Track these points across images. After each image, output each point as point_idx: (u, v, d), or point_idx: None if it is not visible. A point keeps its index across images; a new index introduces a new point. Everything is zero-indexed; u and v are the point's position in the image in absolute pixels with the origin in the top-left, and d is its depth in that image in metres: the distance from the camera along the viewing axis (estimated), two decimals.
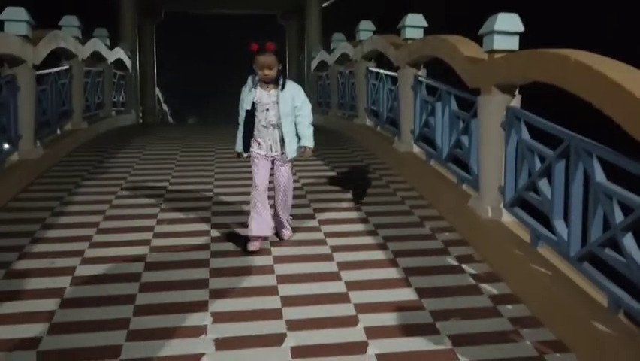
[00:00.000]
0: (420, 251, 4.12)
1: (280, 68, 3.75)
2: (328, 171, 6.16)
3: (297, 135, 3.90)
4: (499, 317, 3.31)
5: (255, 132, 3.87)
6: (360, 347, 2.96)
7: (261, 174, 3.90)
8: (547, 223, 3.51)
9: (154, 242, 4.14)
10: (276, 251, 4.04)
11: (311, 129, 3.92)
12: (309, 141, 3.91)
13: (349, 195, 5.29)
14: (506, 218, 4.04)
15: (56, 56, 7.19)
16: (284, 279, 3.64)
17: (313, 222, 4.59)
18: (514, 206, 3.88)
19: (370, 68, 7.59)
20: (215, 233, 4.33)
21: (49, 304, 3.25)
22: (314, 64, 11.58)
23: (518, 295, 3.50)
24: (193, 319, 3.14)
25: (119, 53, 10.48)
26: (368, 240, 4.30)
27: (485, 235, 4.04)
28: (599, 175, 3.00)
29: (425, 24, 6.13)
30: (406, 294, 3.53)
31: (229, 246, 4.11)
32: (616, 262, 2.87)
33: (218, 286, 3.52)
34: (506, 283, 3.65)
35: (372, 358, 2.88)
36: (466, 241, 4.25)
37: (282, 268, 3.79)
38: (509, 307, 3.41)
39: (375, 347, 2.96)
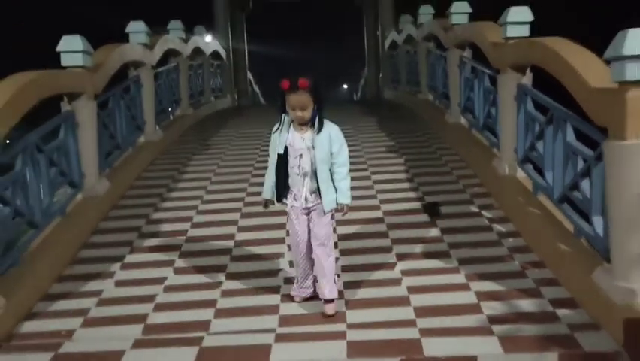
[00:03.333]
0: (450, 202, 5.19)
1: (316, 107, 3.22)
2: (388, 141, 7.27)
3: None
4: (501, 246, 4.38)
5: (289, 181, 3.37)
6: (391, 266, 4.15)
7: (298, 231, 3.42)
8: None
9: (247, 199, 5.53)
10: None
11: (347, 182, 3.36)
12: (344, 197, 3.35)
13: (401, 160, 6.40)
14: (520, 174, 5.00)
15: (165, 55, 8.75)
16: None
17: (368, 182, 5.77)
18: (524, 163, 4.84)
19: (429, 49, 8.53)
20: None
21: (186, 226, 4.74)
22: (387, 43, 12.54)
23: (519, 231, 4.53)
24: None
25: (215, 46, 12.04)
26: (410, 194, 5.43)
27: (502, 188, 5.04)
28: (570, 136, 3.95)
29: (469, 10, 7.00)
30: (431, 232, 4.66)
31: None
32: (579, 200, 3.84)
33: None
34: (513, 223, 4.67)
35: (398, 272, 4.07)
36: (489, 193, 5.27)
37: None
38: (510, 240, 4.46)
39: (402, 266, 4.15)
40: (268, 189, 3.44)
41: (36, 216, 4.27)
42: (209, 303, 3.74)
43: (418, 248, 4.40)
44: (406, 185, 5.67)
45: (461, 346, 3.13)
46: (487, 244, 4.41)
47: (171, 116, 8.59)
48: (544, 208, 4.38)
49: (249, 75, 17.13)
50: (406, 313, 3.53)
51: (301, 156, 3.30)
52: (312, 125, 3.28)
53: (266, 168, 3.50)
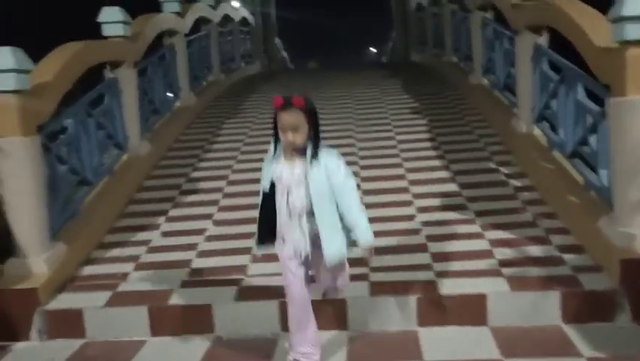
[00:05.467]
0: (470, 159, 5.47)
1: (312, 132, 2.68)
2: (413, 103, 7.50)
3: (343, 228, 2.71)
4: (515, 200, 4.67)
5: (278, 223, 2.75)
6: (411, 218, 4.49)
7: (293, 284, 2.80)
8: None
9: None
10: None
11: (365, 215, 2.73)
12: (367, 235, 2.70)
13: (425, 121, 6.66)
14: (537, 131, 5.23)
15: (197, 23, 9.07)
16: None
17: (392, 142, 6.07)
18: (540, 121, 5.07)
19: (454, 11, 8.63)
20: None
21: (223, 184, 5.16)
22: (413, 5, 12.59)
23: (535, 185, 4.80)
24: None
25: (244, 12, 12.30)
26: (432, 153, 5.72)
27: (519, 145, 5.29)
28: (580, 94, 4.17)
29: None
30: (450, 188, 4.97)
31: None
32: (588, 154, 4.09)
33: None
34: (528, 178, 4.94)
35: (418, 223, 4.41)
36: (508, 151, 5.52)
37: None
38: (526, 193, 4.74)
39: (421, 218, 4.48)
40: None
41: (88, 174, 4.73)
42: (246, 250, 4.16)
43: (437, 202, 4.72)
44: (428, 144, 5.95)
45: (472, 286, 3.48)
46: (502, 198, 4.71)
47: (204, 82, 8.95)
48: (558, 163, 4.63)
49: (277, 41, 17.35)
50: (423, 258, 3.89)
51: (289, 191, 2.69)
52: (305, 155, 2.69)
53: None
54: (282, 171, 2.70)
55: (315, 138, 2.69)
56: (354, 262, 3.78)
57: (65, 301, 3.71)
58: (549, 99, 4.75)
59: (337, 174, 2.67)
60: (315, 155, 2.67)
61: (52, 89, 4.17)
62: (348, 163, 5.30)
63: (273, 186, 2.72)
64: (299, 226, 2.70)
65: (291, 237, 2.72)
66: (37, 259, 3.79)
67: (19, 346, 3.54)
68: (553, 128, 4.78)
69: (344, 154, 5.60)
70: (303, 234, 2.70)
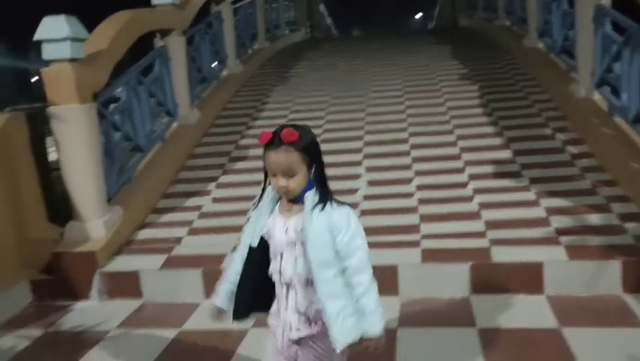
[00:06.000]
0: (524, 125, 5.29)
1: (313, 172, 1.90)
2: (462, 68, 7.29)
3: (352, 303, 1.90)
4: (572, 167, 4.50)
5: (277, 292, 1.99)
6: (463, 185, 4.40)
7: None
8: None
9: (325, 126, 5.86)
10: None
11: (373, 297, 1.93)
12: (373, 324, 1.91)
13: (476, 87, 6.47)
14: (597, 96, 5.00)
15: None
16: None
17: (442, 108, 5.93)
18: (601, 85, 4.85)
19: None
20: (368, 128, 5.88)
21: None
22: None
23: (593, 152, 4.61)
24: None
25: None
26: (484, 119, 5.56)
27: (577, 110, 5.08)
28: None
29: None
30: (504, 155, 4.83)
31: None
32: None
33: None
34: (587, 144, 4.75)
35: (470, 191, 4.32)
36: (565, 117, 5.31)
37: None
38: (584, 160, 4.57)
39: (474, 185, 4.39)
40: (222, 292, 2.06)
41: (141, 141, 4.81)
42: None
43: (489, 169, 4.61)
44: (479, 110, 5.79)
45: (528, 253, 3.40)
46: (559, 165, 4.55)
47: (250, 50, 8.93)
48: (619, 129, 4.43)
49: (322, 8, 17.12)
50: (476, 226, 3.81)
51: (282, 254, 1.96)
52: (304, 205, 1.91)
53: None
54: (275, 227, 1.96)
55: (319, 182, 1.91)
56: (403, 228, 3.80)
57: (122, 263, 3.83)
58: (612, 62, 4.52)
59: (346, 230, 1.89)
60: (319, 204, 1.89)
61: (107, 57, 4.23)
62: (398, 131, 5.46)
63: (261, 243, 1.97)
64: (287, 297, 1.94)
65: (279, 310, 1.98)
66: (96, 222, 3.91)
67: (80, 305, 3.69)
68: (615, 93, 4.57)
69: (392, 121, 5.74)
70: (295, 309, 1.93)
